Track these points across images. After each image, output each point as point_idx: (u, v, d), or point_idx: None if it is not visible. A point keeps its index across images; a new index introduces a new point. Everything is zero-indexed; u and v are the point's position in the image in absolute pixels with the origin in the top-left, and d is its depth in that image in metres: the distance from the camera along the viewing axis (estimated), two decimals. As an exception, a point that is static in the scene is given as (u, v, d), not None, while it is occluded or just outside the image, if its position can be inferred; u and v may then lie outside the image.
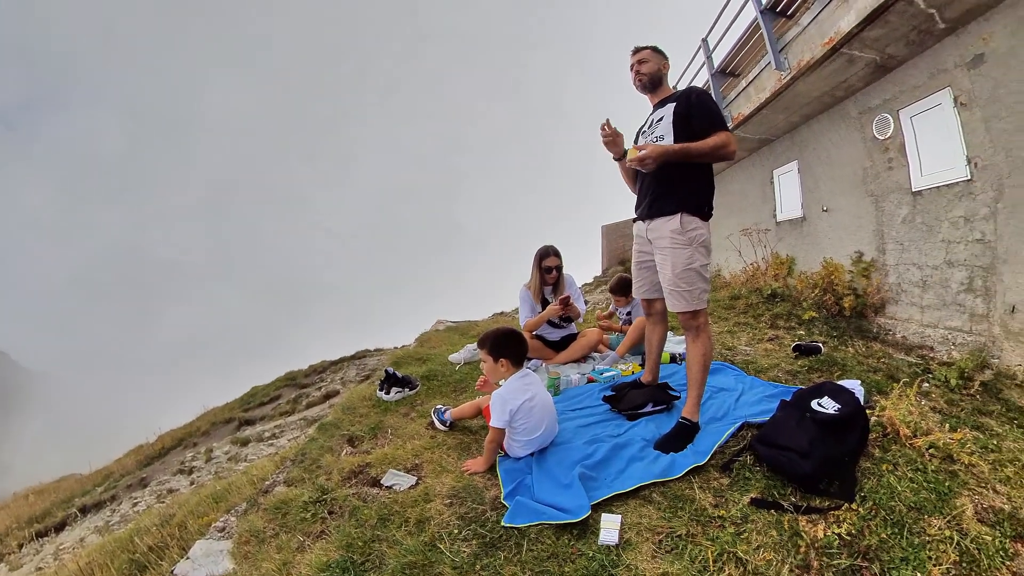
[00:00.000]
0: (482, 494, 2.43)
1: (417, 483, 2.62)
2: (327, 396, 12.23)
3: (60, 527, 11.07)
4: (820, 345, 4.18)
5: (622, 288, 4.75)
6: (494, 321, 8.00)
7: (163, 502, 8.65)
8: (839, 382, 2.84)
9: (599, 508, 2.16)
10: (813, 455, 2.16)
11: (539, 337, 4.47)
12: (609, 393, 3.39)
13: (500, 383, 2.84)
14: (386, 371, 4.14)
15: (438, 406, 3.43)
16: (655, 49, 2.92)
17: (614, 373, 3.96)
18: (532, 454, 2.69)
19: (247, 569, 2.19)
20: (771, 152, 7.82)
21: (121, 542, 4.31)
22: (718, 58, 7.84)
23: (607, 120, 2.88)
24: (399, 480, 2.67)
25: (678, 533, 1.97)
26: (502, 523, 2.15)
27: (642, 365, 3.77)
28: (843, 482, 2.14)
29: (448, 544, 2.07)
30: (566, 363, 4.40)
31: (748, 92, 6.62)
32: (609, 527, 2.01)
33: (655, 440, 2.67)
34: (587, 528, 2.05)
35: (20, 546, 10.76)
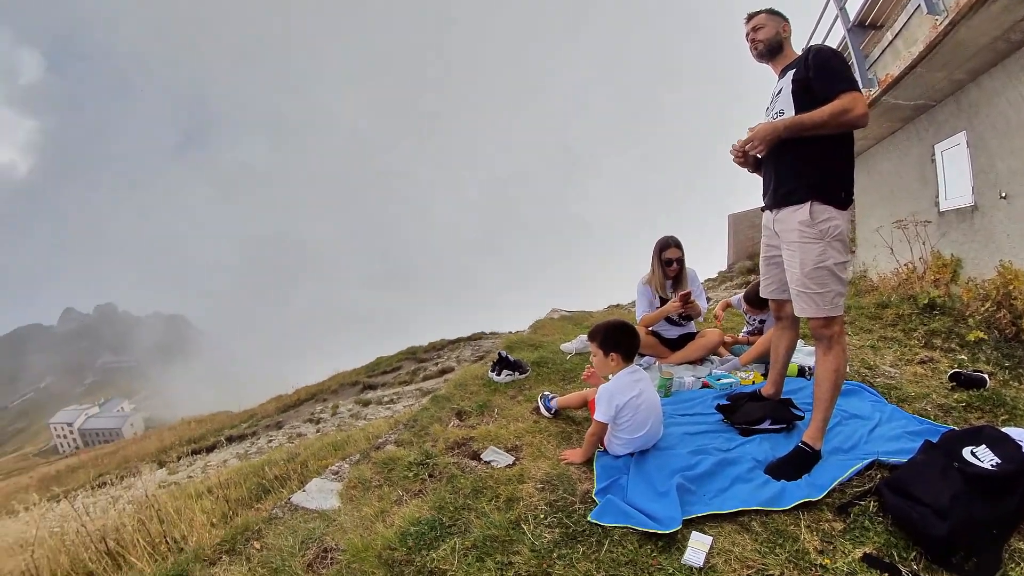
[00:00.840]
0: (574, 485, 2.43)
1: (514, 463, 2.70)
2: (442, 372, 13.06)
3: (210, 448, 13.40)
4: (985, 377, 3.36)
5: (759, 298, 4.38)
6: (608, 313, 7.83)
7: (292, 443, 9.97)
8: (1004, 429, 2.22)
9: (691, 524, 2.03)
10: (953, 516, 1.75)
11: (655, 334, 4.32)
12: (724, 402, 3.14)
13: (608, 377, 2.78)
14: (499, 354, 4.29)
15: (545, 392, 3.48)
16: (771, 12, 2.58)
17: (732, 381, 3.67)
18: (632, 454, 2.62)
19: (350, 509, 2.46)
20: (931, 121, 6.28)
21: (254, 468, 5.04)
22: (853, 8, 6.54)
23: (737, 142, 2.54)
24: (498, 457, 2.77)
25: (770, 573, 1.77)
26: (588, 518, 2.13)
27: (765, 375, 3.46)
28: (984, 559, 1.71)
29: (531, 527, 2.11)
30: (681, 364, 4.17)
31: (895, 47, 5.49)
32: (697, 547, 1.87)
33: (767, 463, 2.41)
34: (673, 542, 1.94)
35: (179, 458, 13.28)
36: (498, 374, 4.11)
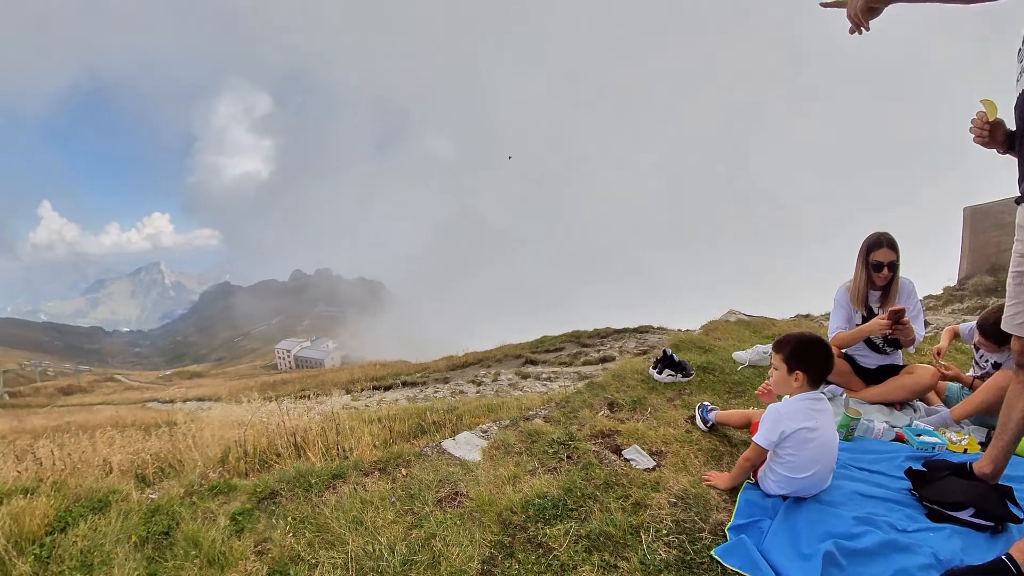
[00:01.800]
0: (709, 511, 2.27)
1: (654, 468, 2.63)
2: (603, 359, 13.07)
3: (387, 388, 15.61)
4: None
5: (999, 330, 3.12)
6: (795, 324, 6.87)
7: (453, 397, 11.00)
8: None
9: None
10: None
11: (848, 358, 3.62)
12: (917, 467, 2.50)
13: (784, 398, 2.49)
14: (664, 351, 4.14)
15: (705, 402, 3.27)
16: None
17: (936, 441, 2.91)
18: (785, 497, 2.31)
19: (488, 466, 2.68)
20: None
21: (418, 411, 5.69)
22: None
23: (979, 113, 1.94)
24: (639, 458, 2.72)
25: None
26: (712, 552, 1.98)
27: (983, 445, 2.72)
28: None
29: (649, 538, 2.05)
30: (875, 403, 3.45)
31: None
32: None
33: (951, 567, 1.87)
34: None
35: (362, 390, 15.82)
36: (659, 372, 3.98)
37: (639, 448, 2.81)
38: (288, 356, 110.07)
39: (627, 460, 2.71)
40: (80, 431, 6.06)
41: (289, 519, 2.37)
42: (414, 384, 15.46)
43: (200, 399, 28.06)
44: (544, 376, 12.31)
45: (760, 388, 2.79)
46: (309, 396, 12.24)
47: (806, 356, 2.34)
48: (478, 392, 11.28)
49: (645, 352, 10.15)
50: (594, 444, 2.88)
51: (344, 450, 3.73)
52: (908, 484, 2.47)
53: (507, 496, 2.34)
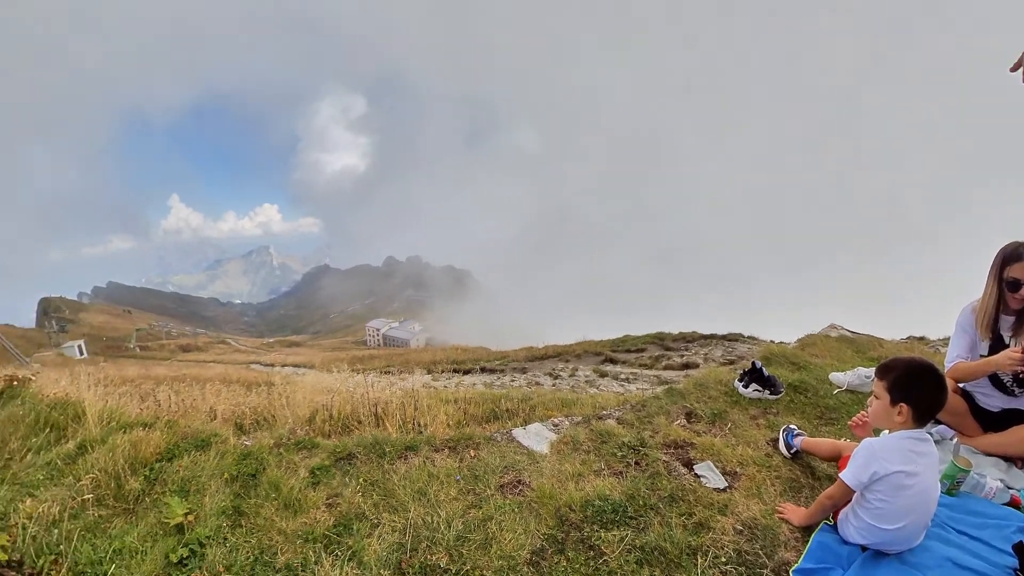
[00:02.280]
0: (776, 548, 2.15)
1: (725, 490, 2.54)
2: (686, 365, 12.61)
3: (466, 372, 16.30)
4: None
5: None
6: (907, 347, 6.10)
7: (529, 387, 11.10)
8: None
9: None
10: None
11: (967, 396, 3.05)
12: None
13: (882, 433, 2.23)
14: (753, 363, 3.95)
15: (791, 426, 3.06)
16: None
17: None
18: (864, 548, 2.09)
19: (554, 459, 2.76)
20: None
21: (493, 397, 5.89)
22: None
23: None
24: (710, 476, 2.64)
25: None
26: None
27: None
28: None
29: (706, 562, 2.01)
30: (991, 455, 2.91)
31: None
32: None
33: None
34: None
35: (442, 371, 16.54)
36: (745, 386, 3.81)
37: (712, 465, 2.73)
38: (377, 334, 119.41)
39: (697, 476, 2.65)
40: (193, 382, 7.09)
41: (360, 480, 2.62)
42: (492, 371, 15.97)
43: (296, 365, 31.19)
44: (622, 376, 12.15)
45: (855, 418, 2.50)
46: (393, 372, 13.05)
47: (914, 387, 2.06)
48: (554, 385, 11.40)
49: (732, 362, 9.66)
50: (665, 454, 2.84)
51: (419, 425, 3.98)
52: (1015, 561, 2.11)
53: (568, 492, 2.39)
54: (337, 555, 2.09)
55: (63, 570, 1.97)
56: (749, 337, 15.27)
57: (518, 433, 3.10)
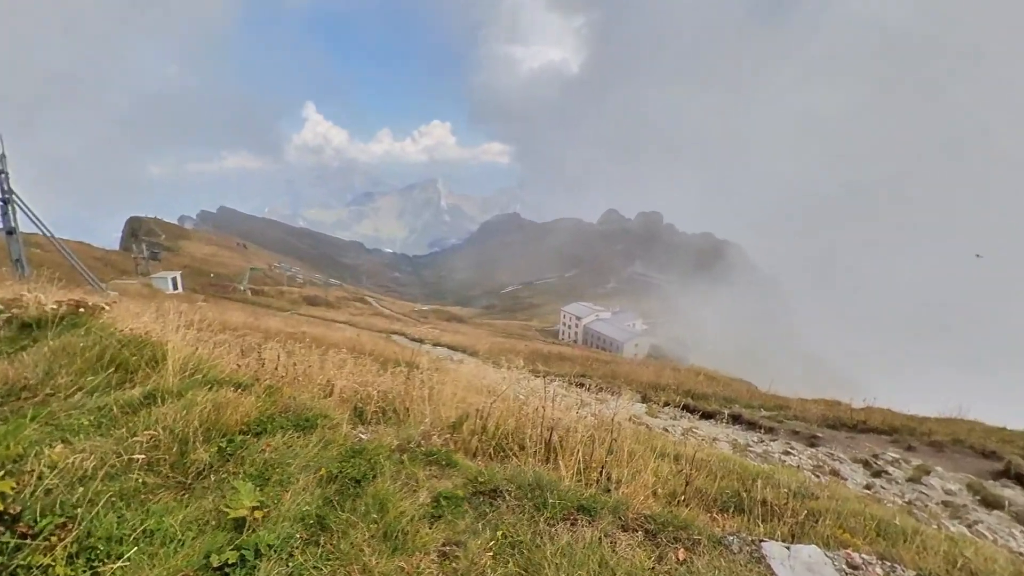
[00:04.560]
0: None
1: None
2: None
3: (706, 415, 13.83)
4: None
5: None
6: None
7: (817, 475, 8.59)
8: None
9: None
10: None
11: None
12: None
13: None
14: None
15: None
16: None
17: None
18: None
19: None
20: None
21: (743, 470, 4.79)
22: None
23: None
24: None
25: None
26: None
27: None
28: None
29: None
30: None
31: None
32: None
33: None
34: None
35: (665, 404, 14.77)
36: None
37: None
38: (576, 325, 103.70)
39: None
40: (313, 344, 7.04)
41: (499, 534, 2.04)
42: (753, 424, 13.44)
43: (452, 347, 29.88)
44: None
45: None
46: (589, 387, 12.36)
47: None
48: (867, 487, 8.80)
49: None
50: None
51: (609, 478, 3.29)
52: None
53: None
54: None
55: (68, 539, 1.78)
56: None
57: (773, 551, 2.16)
